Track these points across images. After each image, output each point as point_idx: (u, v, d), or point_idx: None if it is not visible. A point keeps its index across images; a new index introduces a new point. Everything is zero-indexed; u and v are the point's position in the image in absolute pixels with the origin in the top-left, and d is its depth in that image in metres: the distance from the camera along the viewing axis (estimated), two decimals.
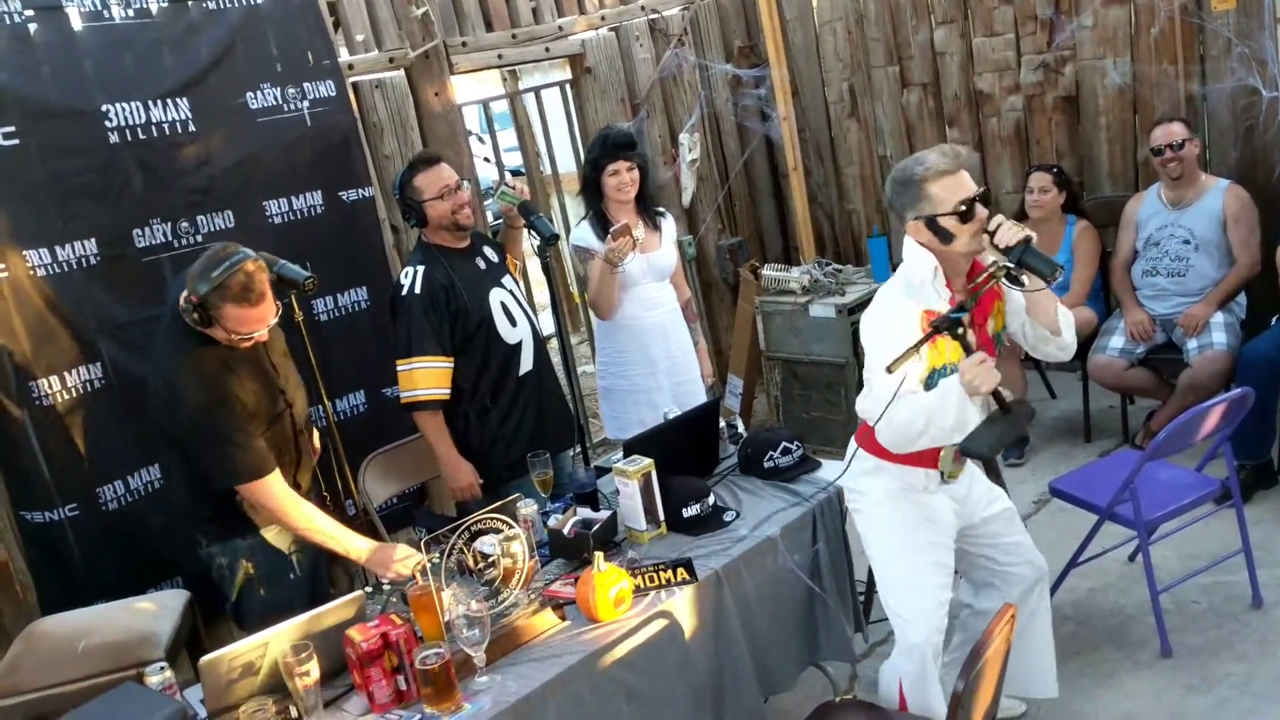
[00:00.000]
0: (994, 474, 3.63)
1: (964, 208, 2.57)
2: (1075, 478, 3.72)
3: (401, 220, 4.46)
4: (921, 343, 2.50)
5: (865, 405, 2.70)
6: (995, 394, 2.53)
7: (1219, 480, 3.50)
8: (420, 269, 3.43)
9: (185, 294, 2.82)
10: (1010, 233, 2.52)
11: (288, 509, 2.93)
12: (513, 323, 3.56)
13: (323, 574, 3.31)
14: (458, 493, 3.56)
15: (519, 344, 3.57)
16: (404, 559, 2.89)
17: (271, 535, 3.06)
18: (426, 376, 3.41)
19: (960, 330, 2.51)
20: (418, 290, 3.40)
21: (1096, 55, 5.05)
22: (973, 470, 2.95)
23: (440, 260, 3.47)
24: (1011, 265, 2.52)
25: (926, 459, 2.75)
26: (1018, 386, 4.80)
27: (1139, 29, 4.90)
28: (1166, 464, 3.57)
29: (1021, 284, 2.57)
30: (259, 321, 2.86)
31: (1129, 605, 3.66)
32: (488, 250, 3.66)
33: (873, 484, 2.85)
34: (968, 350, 2.53)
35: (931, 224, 2.62)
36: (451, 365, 3.45)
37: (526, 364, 3.60)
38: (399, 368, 3.44)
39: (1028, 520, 4.20)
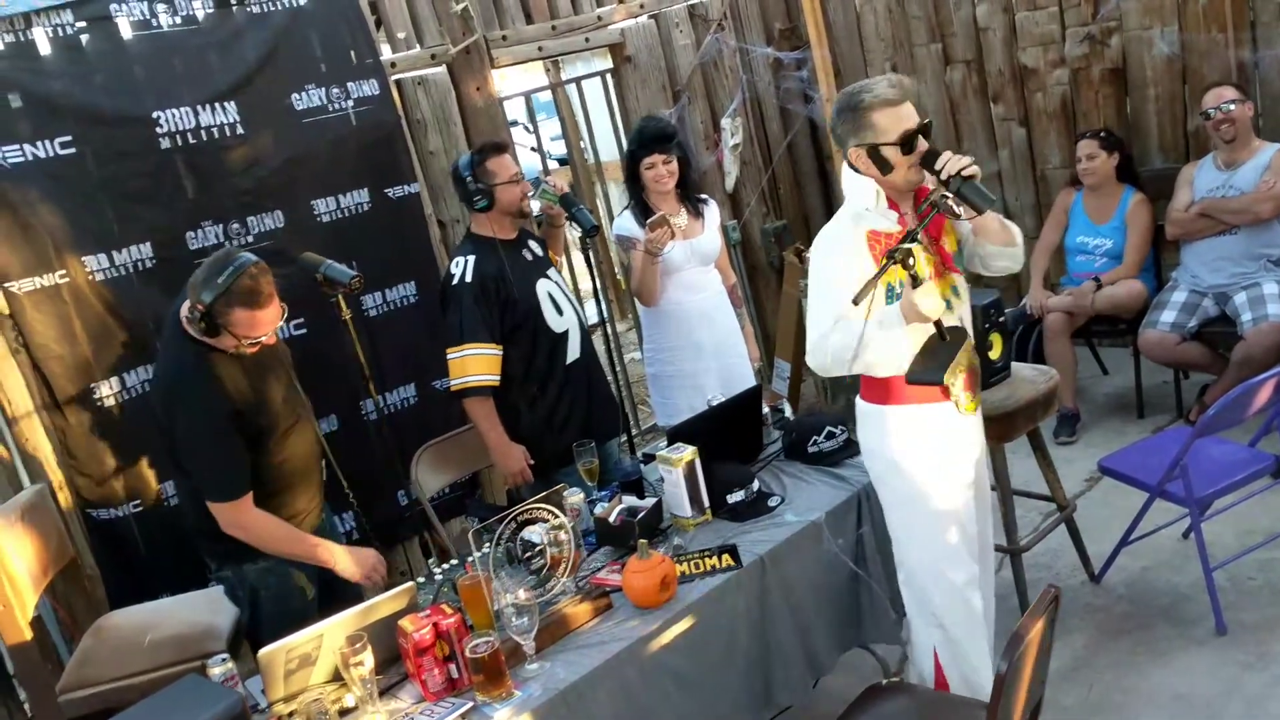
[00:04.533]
0: (1042, 453, 3.61)
1: (906, 139, 2.55)
2: (1126, 455, 3.68)
3: (447, 215, 4.56)
4: (880, 274, 2.45)
5: (811, 344, 2.67)
6: (938, 325, 2.51)
7: (1273, 455, 3.45)
8: (471, 259, 3.50)
9: (189, 304, 2.83)
10: (953, 164, 2.48)
11: (257, 531, 2.97)
12: (559, 312, 3.62)
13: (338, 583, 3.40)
14: (510, 478, 3.63)
15: (565, 333, 3.63)
16: (358, 567, 3.05)
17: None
18: (478, 363, 3.47)
19: (911, 261, 2.44)
20: (469, 279, 3.46)
21: (1143, 25, 4.97)
22: (982, 436, 2.90)
23: (490, 251, 3.53)
24: (950, 195, 2.49)
25: (934, 391, 2.66)
26: (1067, 363, 4.76)
27: None
28: (1219, 439, 3.52)
29: (956, 215, 2.54)
30: (268, 324, 2.88)
31: (1183, 583, 3.63)
32: (532, 244, 3.72)
33: (891, 442, 2.76)
34: (915, 281, 2.46)
35: (874, 153, 2.59)
36: (501, 353, 3.51)
37: (574, 352, 3.66)
38: (449, 356, 3.50)
39: (1079, 498, 4.17)
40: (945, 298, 2.63)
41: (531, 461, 3.59)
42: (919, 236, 2.52)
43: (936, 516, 2.76)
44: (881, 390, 2.74)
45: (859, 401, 2.84)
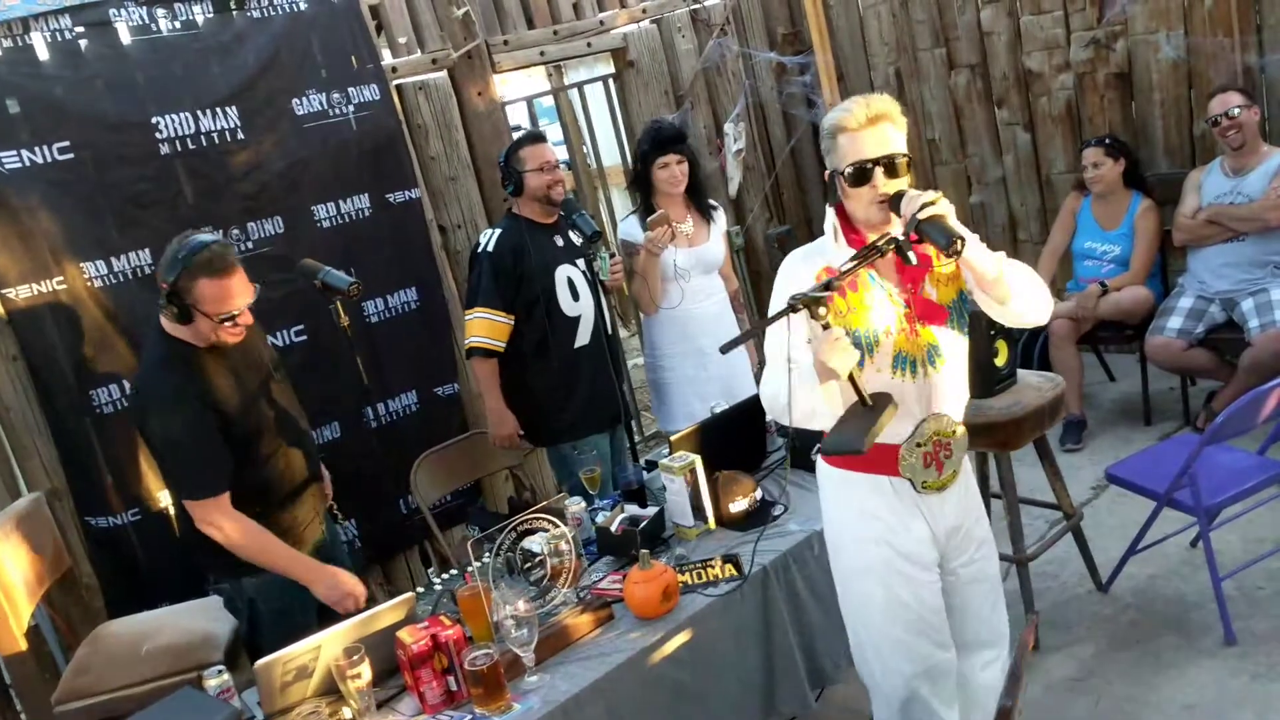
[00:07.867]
0: (1048, 461, 3.58)
1: (852, 169, 2.26)
2: (1133, 463, 3.65)
3: (448, 220, 4.55)
4: (776, 319, 2.18)
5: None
6: (853, 384, 2.15)
7: None
8: (499, 231, 3.70)
9: (161, 293, 2.79)
10: (910, 204, 2.18)
11: (231, 533, 2.85)
12: (575, 298, 3.72)
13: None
14: (498, 440, 3.82)
15: (578, 318, 3.74)
16: (331, 592, 2.91)
17: None
18: (483, 326, 3.66)
19: (821, 311, 2.09)
20: (491, 249, 3.66)
21: (1149, 29, 4.94)
22: (966, 504, 2.51)
23: (519, 229, 3.69)
24: (901, 239, 2.16)
25: (886, 462, 2.36)
26: (1073, 369, 4.72)
27: (1192, 0, 4.78)
28: (1227, 447, 3.49)
29: (908, 259, 2.18)
30: (237, 295, 2.81)
31: (1191, 592, 3.59)
32: (572, 234, 3.78)
33: (841, 511, 2.49)
34: (825, 328, 2.11)
35: (832, 179, 2.34)
36: (510, 322, 3.68)
37: (584, 338, 3.77)
38: (465, 316, 3.74)
39: (1086, 506, 4.13)
40: (912, 356, 2.33)
41: (522, 432, 3.80)
42: (836, 285, 2.15)
43: (886, 601, 2.45)
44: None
45: (818, 460, 2.55)
